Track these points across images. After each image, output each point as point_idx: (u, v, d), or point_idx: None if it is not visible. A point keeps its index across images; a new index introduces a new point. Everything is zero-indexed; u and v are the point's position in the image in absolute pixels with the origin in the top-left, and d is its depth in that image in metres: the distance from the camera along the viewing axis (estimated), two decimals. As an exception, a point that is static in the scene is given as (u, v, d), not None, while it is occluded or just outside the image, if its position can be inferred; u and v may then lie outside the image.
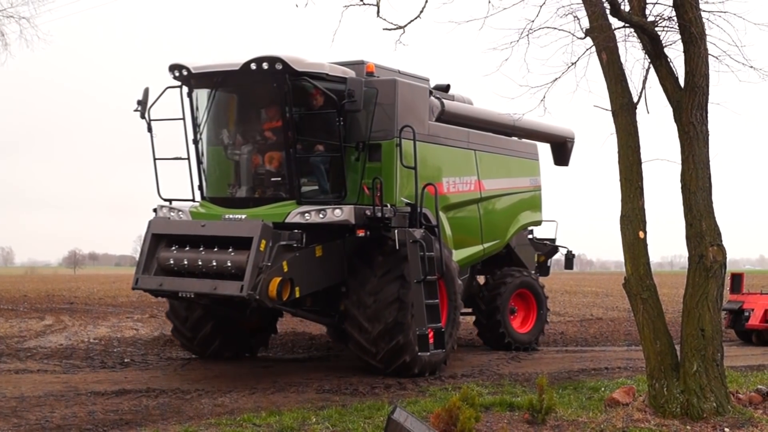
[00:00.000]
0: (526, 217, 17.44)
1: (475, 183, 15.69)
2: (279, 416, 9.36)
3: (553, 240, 18.78)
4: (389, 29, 9.07)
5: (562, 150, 18.88)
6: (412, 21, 9.07)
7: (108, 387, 11.47)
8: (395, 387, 11.93)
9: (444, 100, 14.95)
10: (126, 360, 14.37)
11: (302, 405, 10.26)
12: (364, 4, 8.86)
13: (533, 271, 17.71)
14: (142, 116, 13.11)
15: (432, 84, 15.13)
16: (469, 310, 16.62)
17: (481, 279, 17.36)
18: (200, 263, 12.07)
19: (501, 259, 16.95)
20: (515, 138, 17.38)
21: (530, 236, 18.13)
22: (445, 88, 15.68)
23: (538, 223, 18.05)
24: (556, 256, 19.57)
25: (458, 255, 14.76)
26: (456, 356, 15.59)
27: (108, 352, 15.41)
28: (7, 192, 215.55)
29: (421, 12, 8.99)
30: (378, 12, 8.90)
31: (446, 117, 14.93)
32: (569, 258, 19.18)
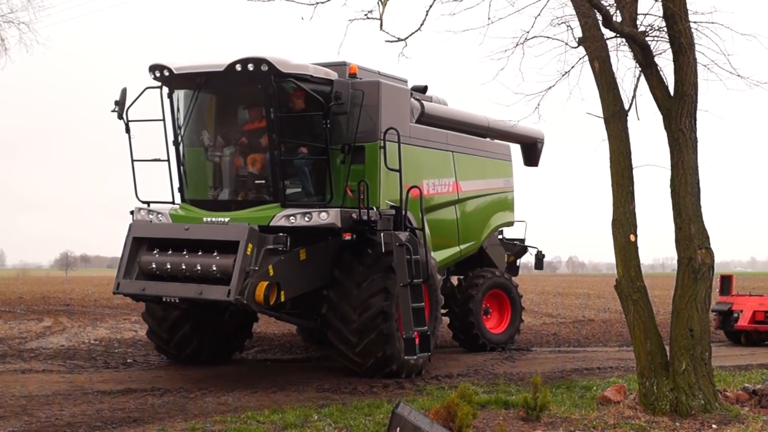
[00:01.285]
0: (500, 218, 17.62)
1: (453, 185, 15.82)
2: (282, 414, 9.64)
3: (522, 240, 18.94)
4: (391, 41, 9.36)
5: (532, 150, 19.06)
6: (412, 34, 9.34)
7: (113, 386, 11.74)
8: (393, 386, 12.20)
9: (423, 102, 15.08)
10: (128, 360, 14.63)
11: (303, 403, 10.53)
12: (368, 18, 9.14)
13: (504, 271, 17.76)
14: (120, 117, 12.89)
15: (409, 85, 15.11)
16: (444, 310, 16.61)
17: (454, 280, 17.44)
18: (184, 267, 11.92)
19: (473, 259, 17.01)
20: (488, 139, 17.56)
21: (500, 236, 18.28)
22: (423, 90, 15.74)
23: (510, 223, 18.23)
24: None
25: (437, 257, 14.80)
26: (451, 357, 15.90)
27: (110, 352, 15.67)
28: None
29: (422, 25, 9.27)
30: (381, 25, 9.17)
31: (425, 119, 15.05)
32: (539, 258, 19.29)
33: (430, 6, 9.17)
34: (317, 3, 9.38)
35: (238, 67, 12.08)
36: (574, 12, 10.04)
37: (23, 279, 68.17)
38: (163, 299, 12.15)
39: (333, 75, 12.72)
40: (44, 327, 20.27)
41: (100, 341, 17.51)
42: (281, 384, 12.19)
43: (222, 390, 11.57)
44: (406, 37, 9.43)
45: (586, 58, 10.22)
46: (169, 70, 12.61)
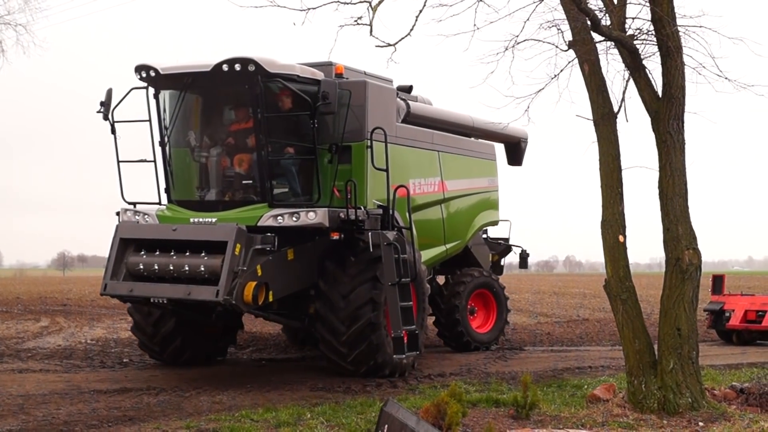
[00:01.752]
0: (485, 217, 17.65)
1: (439, 184, 15.85)
2: (275, 412, 9.78)
3: (506, 239, 18.97)
4: (381, 46, 9.50)
5: (516, 150, 19.10)
6: (402, 39, 9.48)
7: (109, 385, 11.88)
8: (386, 385, 12.32)
9: (409, 101, 15.11)
10: (125, 360, 14.78)
11: (297, 402, 10.67)
12: (358, 24, 9.27)
13: (489, 271, 17.78)
14: (105, 118, 12.79)
15: (395, 84, 15.11)
16: (430, 311, 16.44)
17: (439, 279, 17.40)
18: (172, 268, 11.87)
19: (458, 259, 16.99)
20: (473, 138, 17.61)
21: (484, 236, 18.31)
22: (408, 89, 15.74)
23: (495, 222, 18.28)
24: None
25: (423, 256, 14.76)
26: (444, 356, 16.03)
27: (106, 352, 15.81)
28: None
29: (411, 30, 9.40)
30: (371, 31, 9.30)
31: (411, 118, 15.07)
32: (523, 257, 19.35)
33: (420, 11, 9.32)
34: (308, 9, 9.51)
35: (225, 67, 12.05)
36: (564, 16, 10.16)
37: (20, 279, 68.28)
38: (151, 300, 12.11)
39: (320, 75, 12.74)
40: (41, 327, 20.41)
41: (97, 341, 17.64)
42: (275, 383, 12.31)
43: (217, 389, 11.70)
44: (396, 42, 9.57)
45: (576, 60, 10.32)
46: (155, 70, 12.54)
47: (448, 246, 16.28)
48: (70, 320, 22.50)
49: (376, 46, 9.43)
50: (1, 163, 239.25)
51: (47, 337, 18.14)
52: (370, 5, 9.34)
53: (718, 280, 20.19)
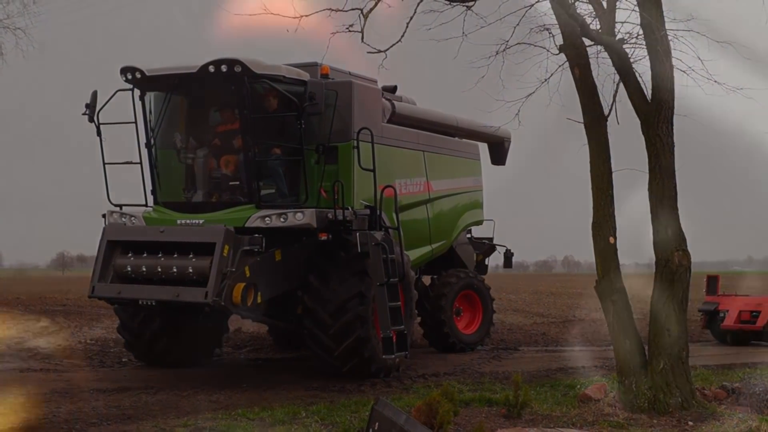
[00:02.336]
0: (470, 217, 17.69)
1: (424, 184, 15.87)
2: (271, 411, 9.92)
3: (490, 239, 18.99)
4: (372, 53, 9.64)
5: (499, 150, 19.10)
6: (393, 45, 9.62)
7: (109, 385, 12.01)
8: (381, 385, 12.45)
9: (394, 102, 15.13)
10: (124, 359, 14.89)
11: (292, 401, 10.80)
12: (350, 31, 9.43)
13: (474, 271, 17.79)
14: (91, 120, 12.69)
15: (379, 85, 15.08)
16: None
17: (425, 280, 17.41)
18: (160, 270, 11.88)
19: (443, 259, 17.00)
20: (457, 138, 17.64)
21: (469, 236, 18.33)
22: (393, 89, 15.76)
23: (480, 222, 18.31)
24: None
25: (410, 256, 14.64)
26: (438, 356, 16.14)
27: (105, 352, 15.93)
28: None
29: (402, 37, 9.55)
30: (362, 38, 9.46)
31: (396, 118, 15.09)
32: (508, 257, 19.34)
33: (411, 18, 9.47)
34: (301, 16, 9.64)
35: (211, 69, 12.03)
36: (555, 21, 10.30)
37: (20, 279, 68.30)
38: (140, 302, 12.12)
39: (306, 76, 12.77)
40: (41, 327, 20.50)
41: (96, 341, 17.76)
42: (271, 383, 12.44)
43: (214, 388, 11.83)
44: (387, 49, 9.71)
45: (566, 64, 10.45)
46: (141, 72, 12.48)
47: (434, 246, 16.29)
48: (70, 320, 22.56)
49: (368, 53, 9.57)
50: (0, 163, 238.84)
51: (47, 337, 18.25)
52: (362, 12, 9.49)
53: (712, 281, 20.27)
